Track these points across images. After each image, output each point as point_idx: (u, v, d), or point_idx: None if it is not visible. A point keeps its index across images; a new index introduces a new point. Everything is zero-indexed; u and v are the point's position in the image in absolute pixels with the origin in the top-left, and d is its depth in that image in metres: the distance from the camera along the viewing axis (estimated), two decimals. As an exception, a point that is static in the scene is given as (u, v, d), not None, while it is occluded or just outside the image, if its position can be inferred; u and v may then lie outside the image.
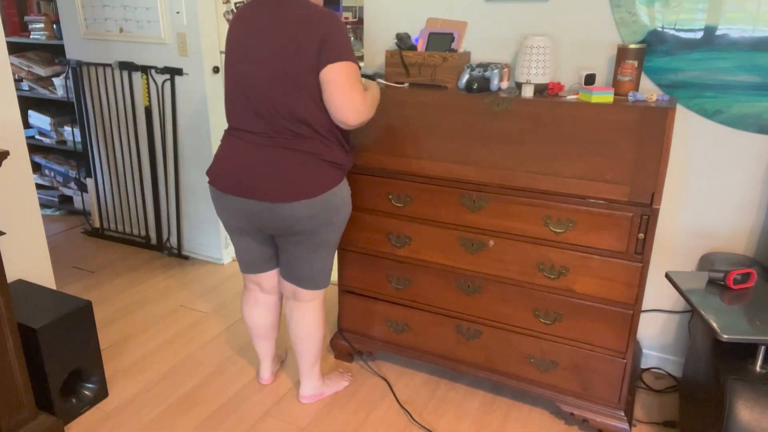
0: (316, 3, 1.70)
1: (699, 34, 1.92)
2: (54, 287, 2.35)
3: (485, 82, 1.98)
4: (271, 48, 1.65)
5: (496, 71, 1.98)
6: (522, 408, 2.15)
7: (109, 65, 3.22)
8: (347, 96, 1.63)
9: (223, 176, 1.79)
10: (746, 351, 1.53)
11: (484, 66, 2.01)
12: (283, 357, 2.40)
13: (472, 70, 2.00)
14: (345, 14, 5.24)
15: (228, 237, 3.31)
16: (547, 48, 1.95)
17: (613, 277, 1.80)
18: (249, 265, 2.01)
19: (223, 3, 3.09)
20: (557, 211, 1.83)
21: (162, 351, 2.47)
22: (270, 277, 2.05)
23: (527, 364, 2.03)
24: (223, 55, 1.90)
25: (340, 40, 1.62)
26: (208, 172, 1.86)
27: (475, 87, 1.96)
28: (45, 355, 1.91)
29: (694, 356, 1.87)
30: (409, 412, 2.11)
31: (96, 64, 3.25)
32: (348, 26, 5.12)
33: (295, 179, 1.71)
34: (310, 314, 2.01)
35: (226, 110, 1.82)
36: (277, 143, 1.72)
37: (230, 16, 3.15)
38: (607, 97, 1.86)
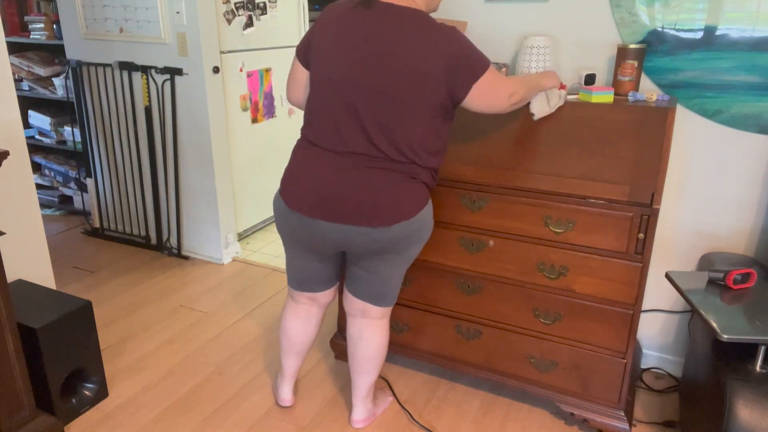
0: (432, 17, 1.56)
1: (699, 34, 1.92)
2: (54, 287, 2.35)
3: None
4: (387, 64, 1.52)
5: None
6: (522, 408, 2.15)
7: (109, 65, 3.22)
8: (498, 96, 1.60)
9: (311, 199, 1.63)
10: (746, 351, 1.53)
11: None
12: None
13: (472, 70, 2.00)
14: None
15: (228, 237, 3.31)
16: (547, 48, 1.95)
17: (613, 277, 1.80)
18: (306, 283, 1.89)
19: (223, 3, 3.09)
20: (557, 211, 1.83)
21: (162, 351, 2.47)
22: (327, 295, 1.94)
23: (527, 364, 2.03)
24: (292, 55, 1.74)
25: (468, 53, 1.52)
26: (286, 194, 1.68)
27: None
28: (45, 355, 1.91)
29: (694, 356, 1.87)
30: (409, 412, 2.11)
31: (96, 64, 3.25)
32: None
33: (394, 201, 1.60)
34: (381, 331, 1.89)
35: (309, 120, 1.67)
36: (369, 163, 1.59)
37: (230, 16, 3.15)
38: (607, 97, 1.86)
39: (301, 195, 1.64)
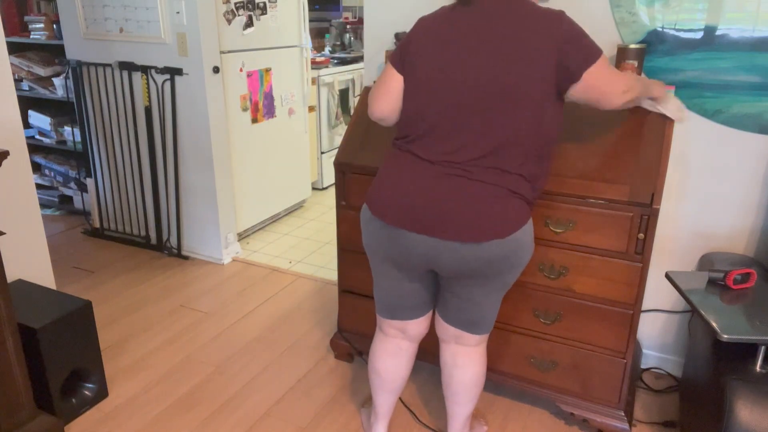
0: (535, 2, 1.45)
1: (699, 34, 1.92)
2: (54, 287, 2.35)
3: None
4: (495, 61, 1.41)
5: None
6: (522, 408, 2.15)
7: (109, 65, 3.22)
8: (612, 90, 1.46)
9: (398, 207, 1.50)
10: (746, 351, 1.53)
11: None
12: None
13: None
14: (345, 14, 5.25)
15: (228, 237, 3.31)
16: (547, 48, 1.95)
17: (613, 277, 1.80)
18: (396, 310, 1.72)
19: (223, 3, 3.09)
20: (557, 211, 1.83)
21: (162, 351, 2.47)
22: (419, 324, 1.75)
23: (527, 364, 2.03)
24: (388, 60, 1.60)
25: (580, 38, 1.41)
26: (372, 199, 1.56)
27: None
28: (45, 355, 1.91)
29: (694, 356, 1.87)
30: (412, 411, 2.11)
31: (96, 64, 3.25)
32: (348, 26, 5.12)
33: (487, 216, 1.45)
34: (477, 359, 1.74)
35: (404, 129, 1.55)
36: (466, 172, 1.46)
37: (231, 16, 3.15)
38: (607, 97, 1.86)
39: (386, 202, 1.53)
